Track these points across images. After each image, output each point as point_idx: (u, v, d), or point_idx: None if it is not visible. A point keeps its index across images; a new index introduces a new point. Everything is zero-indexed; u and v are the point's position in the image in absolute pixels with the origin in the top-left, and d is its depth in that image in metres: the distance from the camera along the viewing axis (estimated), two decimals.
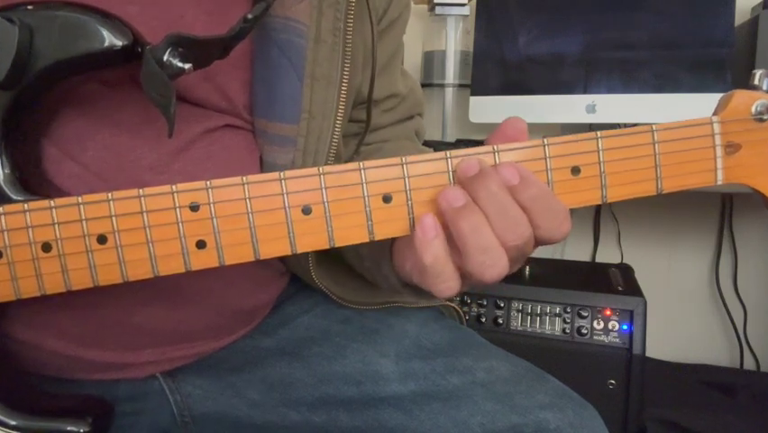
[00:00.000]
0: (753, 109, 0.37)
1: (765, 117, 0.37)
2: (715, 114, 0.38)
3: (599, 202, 0.38)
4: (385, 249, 0.48)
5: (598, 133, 0.37)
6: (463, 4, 1.33)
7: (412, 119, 0.67)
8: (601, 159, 0.37)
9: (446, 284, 0.38)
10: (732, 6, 1.12)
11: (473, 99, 1.30)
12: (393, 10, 0.59)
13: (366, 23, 0.53)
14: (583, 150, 0.37)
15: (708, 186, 0.38)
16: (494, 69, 1.28)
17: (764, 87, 0.38)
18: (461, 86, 1.38)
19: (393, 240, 0.46)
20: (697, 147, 0.38)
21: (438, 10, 1.34)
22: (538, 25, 1.25)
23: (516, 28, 1.26)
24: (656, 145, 0.37)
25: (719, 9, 1.13)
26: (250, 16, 0.43)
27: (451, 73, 1.38)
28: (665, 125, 0.37)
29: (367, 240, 0.39)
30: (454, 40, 1.36)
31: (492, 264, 0.36)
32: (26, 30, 0.39)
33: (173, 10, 0.46)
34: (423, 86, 1.41)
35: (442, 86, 1.38)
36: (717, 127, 0.38)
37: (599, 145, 0.37)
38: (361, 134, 0.60)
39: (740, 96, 0.37)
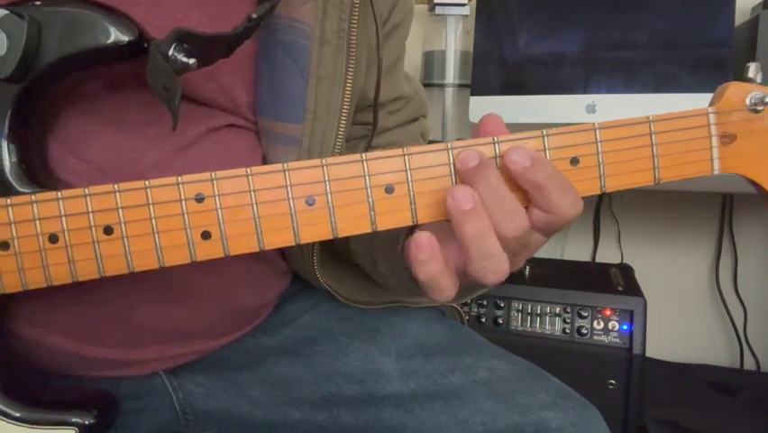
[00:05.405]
0: (747, 101, 0.38)
1: (759, 108, 0.38)
2: (711, 105, 0.39)
3: (599, 192, 0.39)
4: (396, 248, 0.48)
5: (596, 123, 0.38)
6: (463, 4, 1.34)
7: (417, 121, 0.68)
8: (599, 150, 0.38)
9: (442, 294, 0.39)
10: (732, 6, 1.12)
11: (473, 99, 1.30)
12: (396, 14, 0.60)
13: (371, 24, 0.54)
14: (582, 141, 0.38)
15: (705, 175, 0.39)
16: (494, 69, 1.28)
17: (758, 80, 0.39)
18: (461, 86, 1.39)
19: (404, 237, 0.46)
20: (693, 138, 0.38)
21: (438, 10, 1.34)
22: (538, 25, 1.25)
23: (516, 28, 1.26)
24: (653, 136, 0.38)
25: (719, 9, 1.13)
26: (254, 15, 0.44)
27: (451, 73, 1.38)
28: (662, 116, 0.38)
29: (369, 230, 0.39)
30: (454, 40, 1.37)
31: (494, 270, 0.37)
32: (35, 24, 0.39)
33: (177, 12, 0.47)
34: (422, 86, 1.41)
35: (442, 86, 1.39)
36: (712, 118, 0.38)
37: (597, 136, 0.38)
38: (368, 137, 0.60)
39: (735, 87, 0.38)
